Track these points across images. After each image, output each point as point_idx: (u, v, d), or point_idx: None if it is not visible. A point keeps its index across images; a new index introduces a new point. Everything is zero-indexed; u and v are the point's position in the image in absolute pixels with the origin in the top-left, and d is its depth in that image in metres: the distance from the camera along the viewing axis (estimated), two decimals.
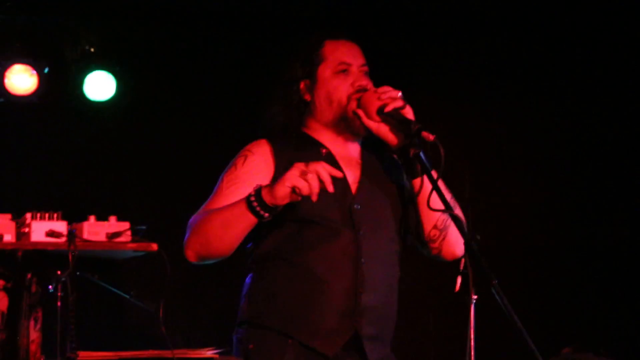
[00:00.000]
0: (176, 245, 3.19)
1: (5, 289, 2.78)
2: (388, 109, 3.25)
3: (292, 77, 3.45)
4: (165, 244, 3.25)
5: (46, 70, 5.77)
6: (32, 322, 2.76)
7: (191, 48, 6.03)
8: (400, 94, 3.28)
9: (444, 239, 3.32)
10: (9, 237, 2.77)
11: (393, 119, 3.28)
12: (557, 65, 6.10)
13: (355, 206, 3.33)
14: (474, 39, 6.10)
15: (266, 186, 3.11)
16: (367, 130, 3.37)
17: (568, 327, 5.82)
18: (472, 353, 2.87)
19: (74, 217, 2.92)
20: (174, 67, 6.04)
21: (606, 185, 6.10)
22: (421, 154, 3.21)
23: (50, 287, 2.98)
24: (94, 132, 5.93)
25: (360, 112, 3.31)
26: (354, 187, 3.36)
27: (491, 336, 2.95)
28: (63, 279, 2.89)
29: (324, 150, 3.38)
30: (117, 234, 2.84)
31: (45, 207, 2.94)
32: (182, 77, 6.06)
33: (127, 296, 3.31)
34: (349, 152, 3.43)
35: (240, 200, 3.15)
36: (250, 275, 3.38)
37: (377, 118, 3.32)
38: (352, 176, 3.38)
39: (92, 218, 2.86)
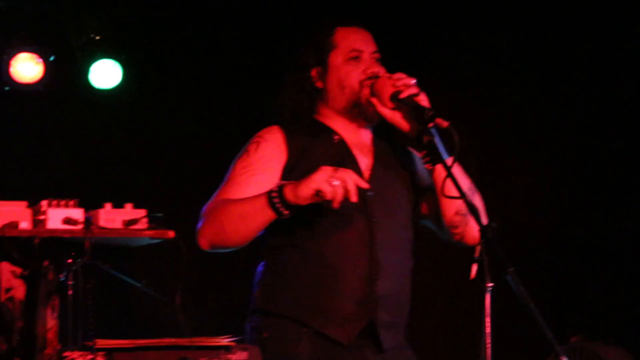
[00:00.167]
0: (189, 233, 3.18)
1: (22, 276, 2.76)
2: (403, 95, 3.24)
3: (304, 65, 3.45)
4: (180, 232, 3.23)
5: (52, 58, 5.74)
6: (49, 310, 2.74)
7: (198, 35, 6.01)
8: (414, 81, 3.27)
9: (466, 224, 3.31)
10: (25, 225, 2.76)
11: (406, 105, 3.27)
12: (565, 50, 6.09)
13: (368, 193, 3.32)
14: (481, 25, 6.08)
15: (289, 184, 3.10)
16: (380, 117, 3.36)
17: (576, 315, 5.81)
18: (489, 341, 2.85)
19: (89, 204, 2.90)
20: (180, 54, 6.03)
21: (616, 173, 6.09)
22: (436, 139, 3.21)
23: (60, 275, 2.97)
24: (102, 120, 5.92)
25: (375, 100, 3.30)
26: (366, 174, 3.36)
27: (500, 325, 2.95)
28: (74, 267, 2.87)
29: (336, 137, 3.38)
30: (134, 221, 2.83)
31: (57, 195, 2.92)
32: (189, 64, 6.05)
33: (139, 285, 3.29)
34: (361, 139, 3.42)
35: (261, 194, 3.14)
36: (262, 263, 3.37)
37: (391, 104, 3.31)
38: (365, 163, 3.38)
39: (108, 205, 2.84)
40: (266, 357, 3.07)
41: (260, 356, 3.02)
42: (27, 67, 5.70)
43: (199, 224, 3.24)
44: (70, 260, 2.89)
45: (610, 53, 6.03)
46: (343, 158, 3.33)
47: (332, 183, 3.03)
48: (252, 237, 3.22)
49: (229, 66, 6.07)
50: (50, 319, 2.75)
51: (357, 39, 3.44)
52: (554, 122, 6.19)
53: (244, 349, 2.99)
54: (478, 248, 2.91)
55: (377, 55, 3.44)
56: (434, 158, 3.23)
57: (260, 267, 3.38)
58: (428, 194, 3.42)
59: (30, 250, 2.75)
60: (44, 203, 2.80)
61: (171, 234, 2.84)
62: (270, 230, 3.27)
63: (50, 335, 2.76)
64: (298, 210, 3.12)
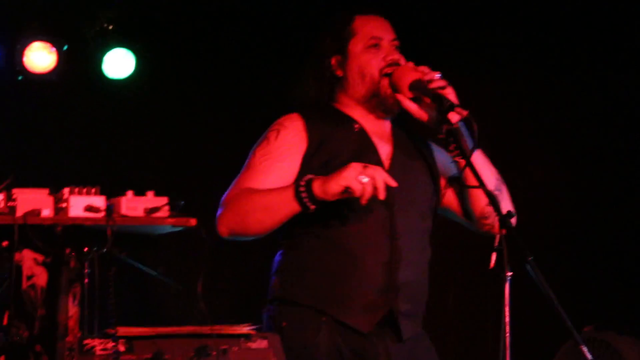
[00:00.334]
0: (208, 221, 3.17)
1: (44, 264, 2.76)
2: (432, 86, 3.22)
3: (323, 53, 3.44)
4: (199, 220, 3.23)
5: (65, 47, 5.73)
6: (70, 298, 2.74)
7: (212, 23, 6.00)
8: (439, 74, 3.26)
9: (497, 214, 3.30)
10: (47, 212, 2.75)
11: (426, 95, 3.26)
12: (580, 42, 6.07)
13: None
14: (496, 17, 6.07)
15: (318, 179, 3.09)
16: (399, 109, 3.36)
17: (590, 305, 5.80)
18: (507, 330, 2.85)
19: (108, 193, 2.89)
20: (193, 42, 6.01)
21: (632, 165, 6.08)
22: (462, 129, 3.20)
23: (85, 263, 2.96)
24: (115, 109, 5.92)
25: (400, 97, 3.29)
26: (386, 163, 3.36)
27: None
28: (90, 256, 2.87)
29: (356, 126, 3.37)
30: (156, 209, 2.82)
31: (78, 182, 2.91)
32: (203, 52, 6.04)
33: (154, 273, 3.29)
34: (380, 128, 3.42)
35: (288, 187, 3.14)
36: (280, 251, 3.37)
37: (409, 93, 3.31)
38: (385, 152, 3.37)
39: (130, 193, 2.83)
40: (285, 346, 3.05)
41: (280, 344, 3.01)
42: (40, 57, 5.69)
43: (219, 212, 3.23)
44: (86, 249, 2.87)
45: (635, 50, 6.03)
46: (363, 147, 3.33)
47: (361, 180, 3.03)
48: (275, 228, 3.22)
49: (245, 54, 6.05)
50: (72, 307, 2.75)
51: (377, 26, 3.44)
52: (572, 115, 6.18)
53: (264, 337, 2.98)
54: (497, 237, 2.91)
55: (396, 42, 3.43)
56: (458, 147, 3.22)
57: (278, 256, 3.37)
58: (452, 185, 3.42)
59: (53, 238, 2.74)
60: (66, 190, 2.78)
61: (193, 221, 2.83)
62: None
63: (72, 323, 2.76)
64: (324, 205, 3.11)
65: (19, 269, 2.80)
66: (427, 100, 3.27)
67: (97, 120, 5.91)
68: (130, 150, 5.88)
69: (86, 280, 2.89)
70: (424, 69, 3.28)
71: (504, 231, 2.88)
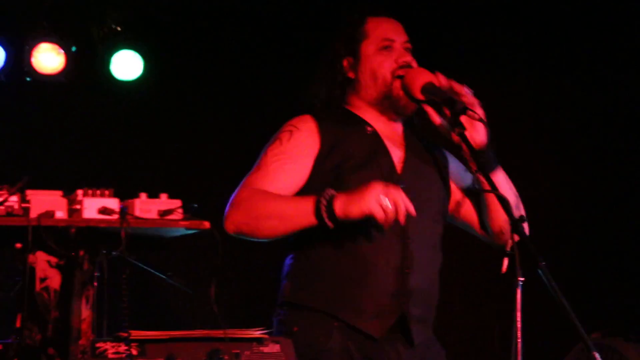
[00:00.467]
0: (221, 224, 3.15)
1: (57, 266, 2.74)
2: (460, 106, 3.18)
3: (335, 55, 3.43)
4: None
5: (73, 49, 5.73)
6: (83, 300, 2.73)
7: (219, 25, 5.99)
8: (469, 90, 3.24)
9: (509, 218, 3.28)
10: (61, 214, 2.73)
11: (438, 97, 3.25)
12: (580, 42, 6.07)
13: (401, 185, 3.29)
14: (496, 17, 6.06)
15: (340, 197, 3.06)
16: (411, 109, 3.34)
17: (597, 311, 5.78)
18: (519, 335, 2.83)
19: (121, 194, 2.88)
20: (201, 44, 6.00)
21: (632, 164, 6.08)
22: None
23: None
24: (123, 111, 5.91)
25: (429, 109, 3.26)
26: (399, 166, 3.35)
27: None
28: (99, 259, 2.85)
29: (369, 129, 3.36)
30: (169, 212, 2.80)
31: (91, 184, 2.89)
32: (211, 53, 6.03)
33: (164, 277, 3.27)
34: (392, 131, 3.41)
35: (308, 200, 3.10)
36: (291, 255, 3.35)
37: (421, 96, 3.29)
38: (397, 155, 3.36)
39: (143, 195, 2.81)
40: (296, 350, 3.02)
41: (293, 349, 2.99)
42: (48, 58, 5.69)
43: (228, 209, 3.19)
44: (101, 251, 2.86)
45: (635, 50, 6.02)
46: (376, 150, 3.32)
47: (383, 205, 3.00)
48: (286, 236, 3.20)
49: (253, 55, 6.04)
50: (85, 310, 2.73)
51: (389, 28, 3.43)
52: (572, 116, 6.17)
53: (277, 342, 2.96)
54: (509, 242, 2.89)
55: (408, 45, 3.42)
56: (470, 150, 3.19)
57: (288, 260, 3.35)
58: (467, 197, 3.41)
59: (66, 240, 2.72)
60: (80, 192, 2.77)
61: (207, 224, 2.81)
62: None
63: (84, 326, 2.74)
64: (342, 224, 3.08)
65: (32, 271, 2.78)
66: (438, 102, 3.25)
67: (105, 122, 5.90)
68: (137, 152, 5.87)
69: (95, 284, 2.88)
70: (458, 86, 3.24)
71: (515, 236, 2.86)
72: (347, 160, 3.25)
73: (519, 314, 2.83)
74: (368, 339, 3.22)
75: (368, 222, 3.16)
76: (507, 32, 6.11)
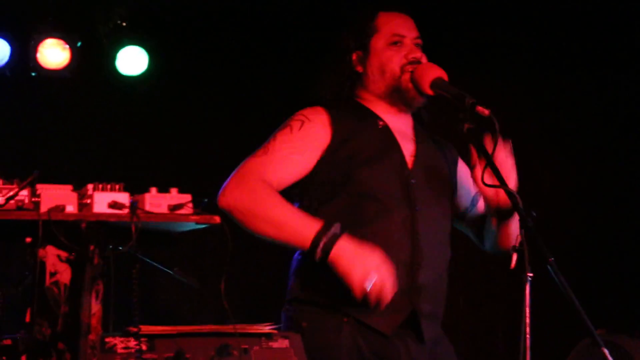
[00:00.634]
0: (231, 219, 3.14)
1: (67, 260, 2.73)
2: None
3: (345, 48, 3.43)
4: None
5: (79, 44, 5.73)
6: (93, 295, 2.71)
7: (224, 20, 5.98)
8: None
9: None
10: (71, 208, 2.72)
11: (447, 92, 3.24)
12: (580, 42, 6.07)
13: (412, 180, 3.30)
14: (497, 17, 6.06)
15: (340, 243, 3.05)
16: (420, 101, 3.34)
17: (602, 308, 5.78)
18: (528, 331, 2.82)
19: (131, 189, 2.87)
20: (206, 39, 5.99)
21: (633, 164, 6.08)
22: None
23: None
24: (128, 106, 5.91)
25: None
26: (410, 160, 3.34)
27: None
28: (105, 254, 2.84)
29: (380, 123, 3.36)
30: (179, 206, 2.79)
31: (101, 179, 2.89)
32: (216, 49, 6.02)
33: (171, 272, 3.26)
34: (402, 124, 3.40)
35: (311, 226, 3.08)
36: (300, 251, 3.32)
37: (430, 92, 3.28)
38: (408, 150, 3.36)
39: (153, 190, 2.80)
40: (306, 346, 3.01)
41: (302, 344, 2.98)
42: (54, 53, 5.69)
43: (229, 183, 3.16)
44: (111, 246, 2.85)
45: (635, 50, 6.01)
46: (387, 145, 3.31)
47: (366, 285, 3.01)
48: (272, 242, 3.18)
49: (259, 50, 6.04)
50: (95, 304, 2.72)
51: (400, 23, 3.42)
52: (573, 116, 6.17)
53: (286, 337, 2.96)
54: (519, 238, 2.88)
55: (419, 41, 3.42)
56: (478, 146, 3.19)
57: (297, 255, 3.34)
58: (472, 212, 3.45)
59: (77, 234, 2.71)
60: (90, 187, 2.76)
61: (217, 219, 2.80)
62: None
63: (94, 320, 2.73)
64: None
65: (42, 265, 2.77)
66: (447, 97, 3.24)
67: (109, 118, 5.91)
68: (145, 147, 5.87)
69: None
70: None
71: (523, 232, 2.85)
72: (358, 154, 3.24)
73: (527, 310, 2.82)
74: (378, 335, 3.21)
75: (376, 217, 3.16)
76: (507, 32, 6.10)
